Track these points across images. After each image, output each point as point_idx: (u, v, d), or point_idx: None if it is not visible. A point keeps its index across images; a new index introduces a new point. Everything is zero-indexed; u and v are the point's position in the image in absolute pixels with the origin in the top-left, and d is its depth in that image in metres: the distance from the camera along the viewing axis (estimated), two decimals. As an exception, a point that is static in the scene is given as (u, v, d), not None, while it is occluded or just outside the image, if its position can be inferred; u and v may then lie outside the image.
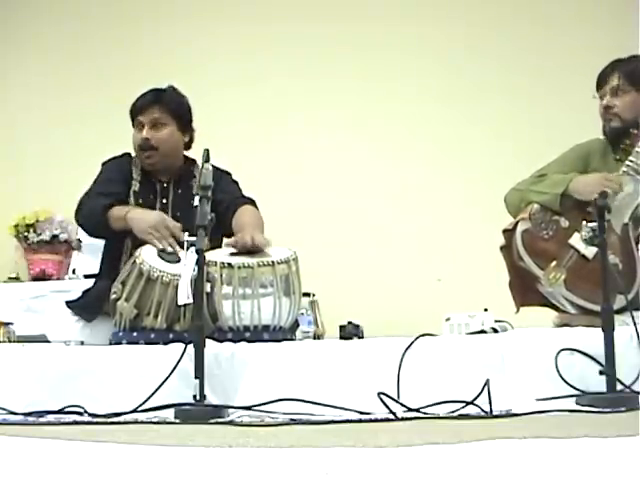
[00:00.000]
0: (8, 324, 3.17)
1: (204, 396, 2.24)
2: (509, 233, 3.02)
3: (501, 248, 3.06)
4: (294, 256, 2.84)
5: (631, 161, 2.98)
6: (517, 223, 3.01)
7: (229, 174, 3.26)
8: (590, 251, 2.84)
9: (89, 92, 5.24)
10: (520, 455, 1.53)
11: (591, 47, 4.76)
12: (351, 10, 5.25)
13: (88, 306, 3.09)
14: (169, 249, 2.86)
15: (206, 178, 2.49)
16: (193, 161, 3.29)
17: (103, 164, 3.29)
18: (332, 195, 5.05)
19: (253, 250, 2.85)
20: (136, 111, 3.21)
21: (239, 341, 2.55)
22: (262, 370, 2.42)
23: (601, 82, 3.13)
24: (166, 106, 3.20)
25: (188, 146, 3.31)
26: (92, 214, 3.07)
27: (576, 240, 2.91)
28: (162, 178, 3.25)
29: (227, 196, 3.13)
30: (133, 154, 3.28)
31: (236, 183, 3.28)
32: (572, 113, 4.55)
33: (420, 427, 2.05)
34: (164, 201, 3.22)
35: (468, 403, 2.27)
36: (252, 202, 3.23)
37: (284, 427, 2.09)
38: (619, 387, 2.30)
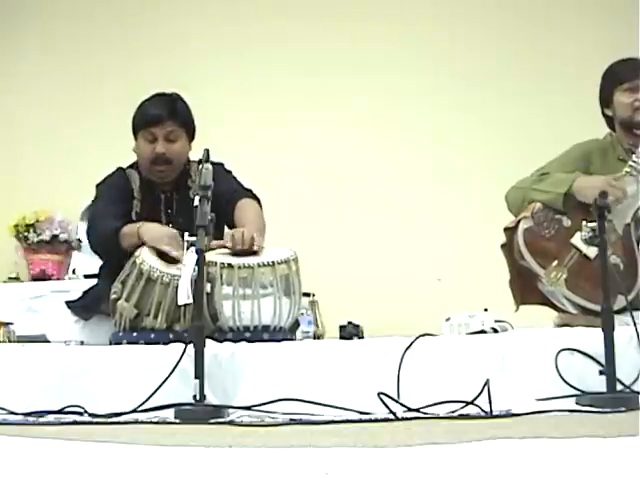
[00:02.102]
0: (8, 324, 3.18)
1: (204, 396, 2.24)
2: (510, 231, 3.02)
3: (502, 246, 3.05)
4: (294, 256, 2.84)
5: (634, 161, 2.98)
6: (519, 221, 3.00)
7: (221, 164, 3.18)
8: (592, 251, 2.84)
9: (89, 92, 5.24)
10: (520, 455, 1.53)
11: (591, 46, 4.77)
12: (352, 8, 5.25)
13: (87, 306, 3.09)
14: (174, 253, 2.78)
15: (206, 178, 2.48)
16: (188, 160, 3.26)
17: (98, 186, 3.21)
18: (332, 195, 5.05)
19: (247, 249, 2.83)
20: (148, 122, 3.12)
21: (239, 341, 2.55)
22: (262, 370, 2.42)
23: (631, 76, 3.11)
24: (180, 119, 3.14)
25: None
26: (104, 238, 3.02)
27: (578, 240, 2.91)
28: (165, 187, 3.21)
29: (225, 188, 3.05)
30: (125, 166, 3.23)
31: (230, 172, 3.24)
32: (572, 111, 4.57)
33: (420, 427, 2.05)
34: (169, 211, 3.19)
35: (468, 403, 2.27)
36: (252, 194, 3.20)
37: (284, 427, 2.09)
38: (619, 387, 2.29)
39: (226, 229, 2.95)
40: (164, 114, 3.12)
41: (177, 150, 3.15)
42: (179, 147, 3.15)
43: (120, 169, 3.24)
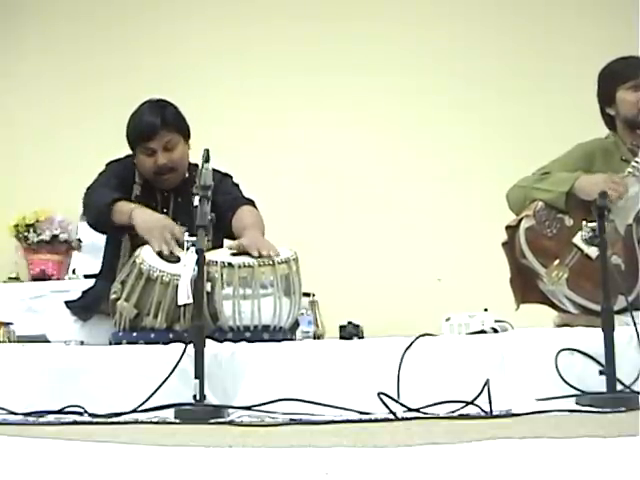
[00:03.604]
0: (8, 324, 3.18)
1: (204, 396, 2.24)
2: (512, 230, 3.02)
3: (503, 244, 3.05)
4: (294, 256, 2.83)
5: (637, 162, 2.98)
6: (521, 220, 3.00)
7: (230, 177, 3.22)
8: (593, 250, 2.83)
9: (89, 92, 5.24)
10: (520, 455, 1.53)
11: (591, 46, 4.76)
12: (352, 8, 5.25)
13: (86, 306, 3.09)
14: (166, 252, 2.80)
15: (206, 178, 2.48)
16: (194, 166, 3.25)
17: (107, 164, 3.24)
18: (332, 195, 5.06)
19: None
20: (143, 138, 3.10)
21: (239, 341, 2.55)
22: (262, 370, 2.42)
23: (635, 74, 3.09)
24: (172, 125, 3.13)
25: None
26: (98, 205, 3.02)
27: (579, 239, 2.91)
28: (164, 188, 3.21)
29: (227, 197, 3.10)
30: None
31: (237, 186, 3.25)
32: (572, 111, 4.57)
33: (420, 427, 2.04)
34: (164, 210, 3.18)
35: (468, 403, 2.27)
36: (251, 203, 3.21)
37: (284, 427, 2.09)
38: (619, 387, 2.29)
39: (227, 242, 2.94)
40: (157, 125, 3.09)
41: (178, 157, 3.14)
42: (179, 153, 3.15)
43: (130, 156, 3.23)
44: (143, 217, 2.93)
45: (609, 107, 3.18)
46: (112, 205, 2.97)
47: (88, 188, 3.16)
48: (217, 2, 5.40)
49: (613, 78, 3.15)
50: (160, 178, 3.15)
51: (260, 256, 2.78)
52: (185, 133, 3.19)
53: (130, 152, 3.21)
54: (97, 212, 3.05)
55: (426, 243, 4.88)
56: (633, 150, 3.08)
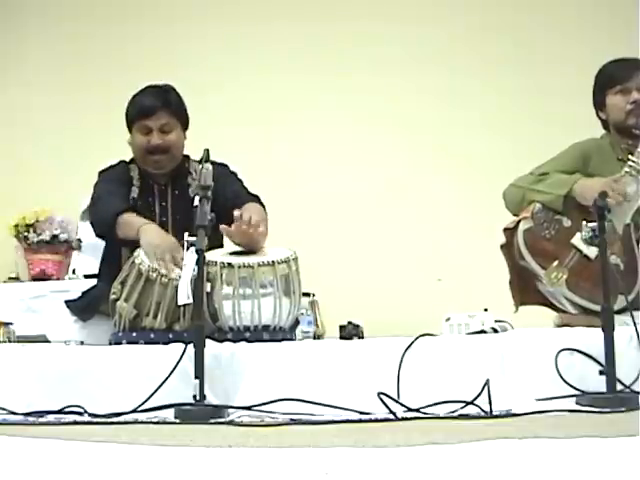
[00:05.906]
0: (8, 324, 3.17)
1: (204, 396, 2.24)
2: (510, 232, 3.02)
3: (502, 247, 3.05)
4: (294, 256, 2.83)
5: (634, 161, 2.97)
6: (519, 222, 3.00)
7: (226, 166, 3.20)
8: (592, 251, 2.83)
9: (89, 91, 5.23)
10: (520, 455, 1.54)
11: (591, 46, 4.76)
12: (352, 8, 5.25)
13: (86, 306, 3.09)
14: (163, 271, 2.75)
15: (206, 178, 2.49)
16: (186, 157, 3.26)
17: (101, 173, 3.23)
18: (332, 195, 5.05)
19: (250, 243, 2.83)
20: (141, 114, 3.13)
21: (239, 341, 2.56)
22: (262, 370, 2.42)
23: (623, 78, 3.10)
24: (173, 109, 3.16)
25: None
26: (102, 218, 3.04)
27: (578, 240, 2.91)
28: (160, 180, 3.21)
29: (230, 192, 3.08)
30: (127, 160, 3.24)
31: (235, 174, 3.25)
32: (570, 110, 4.56)
33: (420, 427, 2.05)
34: (163, 204, 3.19)
35: (468, 403, 2.27)
36: (257, 199, 3.19)
37: (284, 427, 2.10)
38: (619, 387, 2.30)
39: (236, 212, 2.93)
40: (157, 106, 3.13)
41: (173, 139, 3.15)
42: (174, 137, 3.16)
43: (122, 161, 3.26)
44: (150, 237, 2.88)
45: (601, 111, 3.18)
46: (117, 218, 2.96)
47: (90, 202, 3.17)
48: (217, 2, 5.39)
49: (602, 83, 3.16)
50: (151, 158, 3.15)
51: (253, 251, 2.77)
52: (183, 121, 3.20)
53: (120, 159, 3.23)
54: (102, 225, 3.05)
55: (426, 243, 4.88)
56: (629, 149, 3.07)
